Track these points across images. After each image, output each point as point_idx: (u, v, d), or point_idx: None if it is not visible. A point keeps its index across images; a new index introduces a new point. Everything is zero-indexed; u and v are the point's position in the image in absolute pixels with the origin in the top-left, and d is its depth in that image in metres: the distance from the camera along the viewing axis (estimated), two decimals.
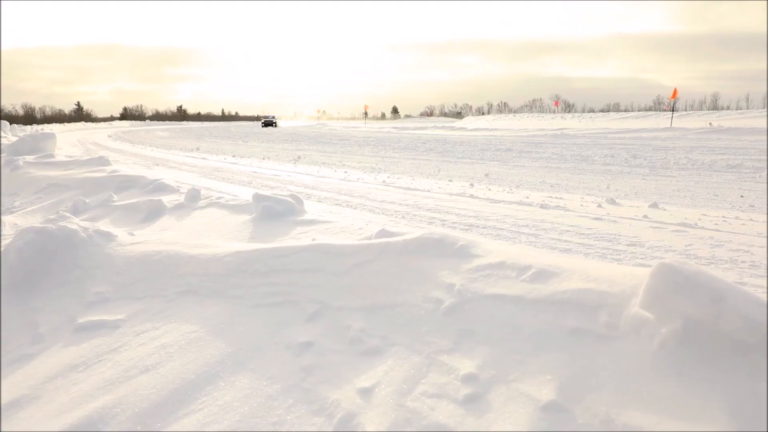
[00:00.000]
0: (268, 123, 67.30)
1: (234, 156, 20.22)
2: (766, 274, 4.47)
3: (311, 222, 3.26)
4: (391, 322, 2.19)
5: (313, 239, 2.93)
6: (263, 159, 18.79)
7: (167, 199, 4.27)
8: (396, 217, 7.61)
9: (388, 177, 12.57)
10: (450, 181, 11.81)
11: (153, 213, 4.04)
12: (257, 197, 3.69)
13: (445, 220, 7.25)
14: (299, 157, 19.07)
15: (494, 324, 1.99)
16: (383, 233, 2.80)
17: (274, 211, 3.50)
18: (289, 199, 3.63)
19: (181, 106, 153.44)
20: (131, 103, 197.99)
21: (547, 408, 1.65)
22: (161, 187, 5.01)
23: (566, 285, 1.97)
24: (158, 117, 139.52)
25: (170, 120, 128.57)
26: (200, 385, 2.09)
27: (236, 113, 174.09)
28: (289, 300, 2.48)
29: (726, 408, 1.45)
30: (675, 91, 31.73)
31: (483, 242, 2.43)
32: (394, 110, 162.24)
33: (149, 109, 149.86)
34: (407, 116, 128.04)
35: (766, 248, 5.33)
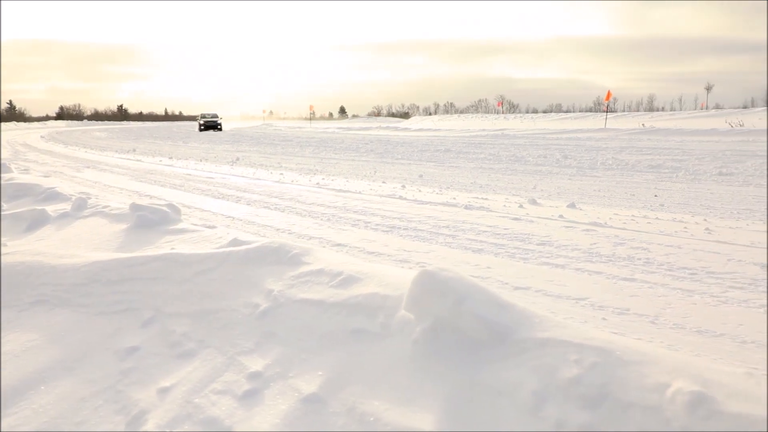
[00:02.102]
0: (210, 125, 51.54)
1: (171, 158, 19.85)
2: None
3: (181, 231, 3.32)
4: (211, 326, 2.32)
5: (172, 248, 2.98)
6: (201, 161, 18.52)
7: (53, 209, 4.23)
8: (321, 219, 7.67)
9: (323, 179, 12.61)
10: (384, 182, 11.94)
11: (35, 223, 3.99)
12: (133, 207, 3.70)
13: (368, 222, 7.35)
14: (238, 159, 18.89)
15: (295, 326, 2.14)
16: (235, 242, 2.87)
17: (148, 221, 3.52)
18: (165, 209, 3.65)
19: (121, 106, 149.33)
20: (68, 102, 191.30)
21: (305, 400, 1.85)
22: (53, 196, 4.95)
23: (362, 289, 2.12)
24: (97, 117, 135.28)
25: (110, 120, 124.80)
26: (22, 390, 2.18)
27: (180, 113, 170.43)
28: (131, 307, 2.56)
29: (445, 395, 1.62)
30: (609, 94, 32.86)
31: (317, 251, 2.55)
32: (342, 110, 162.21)
33: (88, 108, 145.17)
34: (355, 116, 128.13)
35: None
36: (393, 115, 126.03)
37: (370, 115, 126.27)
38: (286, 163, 17.28)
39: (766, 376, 1.52)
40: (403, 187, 11.01)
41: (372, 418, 1.62)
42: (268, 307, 2.25)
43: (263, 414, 1.80)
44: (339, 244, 6.16)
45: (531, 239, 6.22)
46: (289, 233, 6.85)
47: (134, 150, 24.15)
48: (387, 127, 49.14)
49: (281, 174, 13.78)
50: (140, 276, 2.65)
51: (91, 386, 2.13)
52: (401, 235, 6.56)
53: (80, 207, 4.06)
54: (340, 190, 10.53)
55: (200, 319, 2.33)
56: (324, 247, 6.08)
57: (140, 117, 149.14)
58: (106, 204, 4.11)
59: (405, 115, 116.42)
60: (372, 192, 10.26)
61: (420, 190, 10.43)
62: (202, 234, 3.15)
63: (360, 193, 10.18)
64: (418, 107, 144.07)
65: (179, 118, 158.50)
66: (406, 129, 44.42)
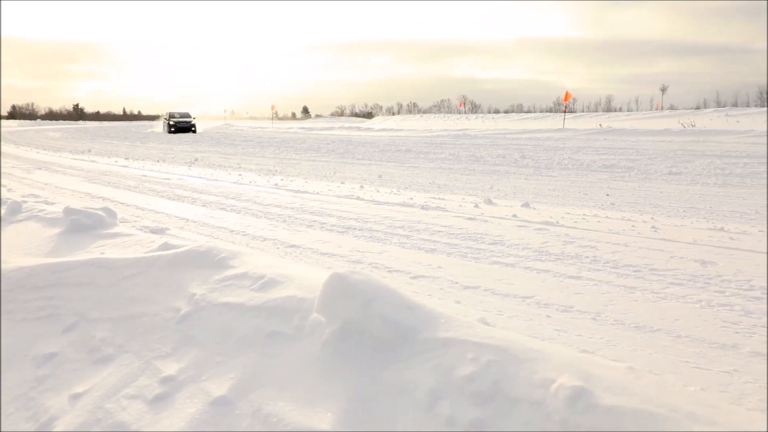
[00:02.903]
0: (182, 127, 41.80)
1: (127, 158, 19.45)
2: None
3: (114, 235, 3.27)
4: (132, 331, 2.31)
5: (102, 253, 2.95)
6: (158, 162, 18.19)
7: None
8: (277, 221, 7.63)
9: (282, 180, 12.54)
10: (342, 183, 11.94)
11: None
12: (67, 210, 3.63)
13: (324, 223, 7.34)
14: (196, 159, 18.63)
15: (213, 329, 2.16)
16: (165, 246, 2.86)
17: (82, 225, 3.45)
18: (100, 213, 3.59)
19: (77, 105, 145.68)
20: (21, 101, 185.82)
21: (214, 402, 1.89)
22: None
23: (282, 292, 2.16)
24: (52, 116, 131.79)
25: (66, 119, 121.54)
26: None
27: (139, 112, 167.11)
28: (54, 313, 2.53)
29: (348, 394, 1.67)
30: (567, 94, 33.47)
31: (245, 254, 2.56)
32: (305, 110, 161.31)
33: (42, 107, 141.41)
34: (318, 116, 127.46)
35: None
36: (356, 115, 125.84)
37: (333, 115, 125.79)
38: (246, 164, 17.12)
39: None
40: (362, 187, 11.02)
41: (275, 419, 1.65)
42: (190, 311, 2.25)
43: (170, 418, 1.81)
44: (293, 246, 6.14)
45: (484, 239, 6.31)
46: (244, 235, 6.79)
47: (89, 150, 23.58)
48: (350, 127, 49.03)
49: (240, 175, 13.65)
50: (66, 281, 2.61)
51: (5, 394, 2.10)
52: (356, 236, 6.57)
53: (14, 211, 3.95)
54: (298, 191, 10.49)
55: (122, 324, 2.31)
56: (278, 248, 6.06)
57: (97, 117, 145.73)
58: (42, 208, 4.02)
59: (368, 115, 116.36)
60: (330, 193, 10.26)
61: (378, 191, 10.47)
62: (135, 238, 3.11)
63: (318, 193, 10.16)
64: (381, 107, 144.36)
65: (138, 117, 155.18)
66: (368, 129, 44.45)
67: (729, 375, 3.01)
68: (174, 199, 9.81)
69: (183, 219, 7.87)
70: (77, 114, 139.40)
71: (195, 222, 7.65)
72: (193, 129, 42.34)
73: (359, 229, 6.91)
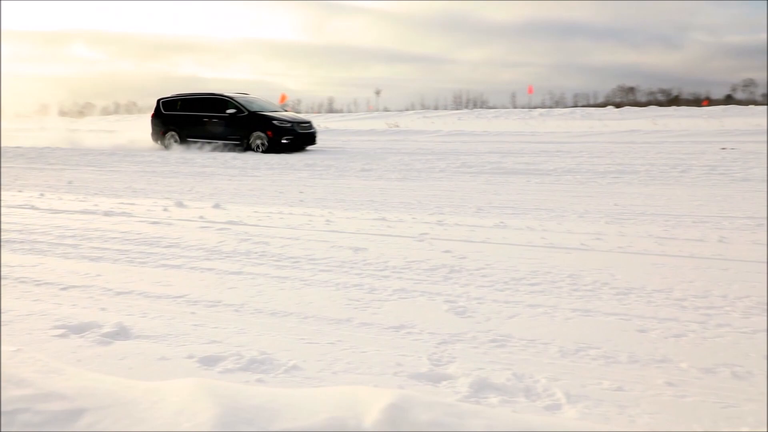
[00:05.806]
0: (305, 134, 19.71)
1: None
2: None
3: None
4: None
5: None
6: None
7: None
8: None
9: None
10: (20, 191, 10.64)
11: None
12: None
13: None
14: None
15: None
16: None
17: None
18: None
19: None
20: None
21: None
22: None
23: None
24: None
25: None
26: None
27: None
28: None
29: None
30: (283, 96, 34.53)
31: None
32: None
33: None
34: (18, 115, 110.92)
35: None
36: (64, 114, 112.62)
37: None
38: None
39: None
40: (42, 195, 9.96)
41: None
42: None
43: None
44: None
45: (160, 242, 6.21)
46: None
47: None
48: (52, 129, 43.72)
49: None
50: None
51: None
52: (12, 250, 5.92)
53: None
54: None
55: None
56: None
57: None
58: None
59: (80, 115, 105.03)
60: (4, 203, 9.06)
61: (61, 198, 9.57)
62: None
63: None
64: (95, 106, 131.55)
65: None
66: (76, 130, 40.24)
67: (332, 345, 3.46)
68: None
69: None
70: None
71: None
72: (314, 137, 20.61)
73: (19, 242, 6.25)
